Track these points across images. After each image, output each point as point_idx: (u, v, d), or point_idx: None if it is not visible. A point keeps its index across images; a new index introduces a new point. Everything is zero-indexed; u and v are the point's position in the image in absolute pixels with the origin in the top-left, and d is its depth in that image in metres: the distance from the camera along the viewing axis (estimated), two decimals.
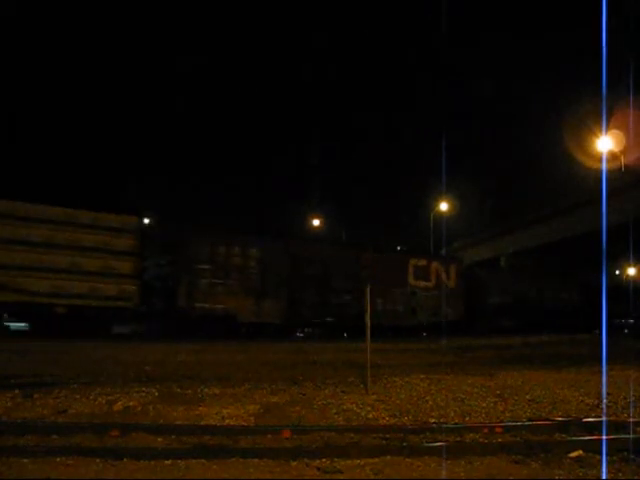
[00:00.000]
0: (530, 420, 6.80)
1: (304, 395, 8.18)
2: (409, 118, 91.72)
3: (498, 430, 6.12)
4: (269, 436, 5.79)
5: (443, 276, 29.55)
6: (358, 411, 7.17)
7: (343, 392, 8.46)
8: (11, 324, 21.21)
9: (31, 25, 64.20)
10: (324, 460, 4.98)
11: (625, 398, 8.20)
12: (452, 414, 7.11)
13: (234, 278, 23.02)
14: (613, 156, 33.88)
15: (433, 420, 6.79)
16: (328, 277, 25.24)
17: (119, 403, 7.36)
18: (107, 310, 20.60)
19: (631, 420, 6.50)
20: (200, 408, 7.18)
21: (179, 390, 8.39)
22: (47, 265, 19.86)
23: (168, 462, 4.88)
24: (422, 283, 28.81)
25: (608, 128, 30.54)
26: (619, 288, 37.69)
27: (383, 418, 6.88)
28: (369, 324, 9.05)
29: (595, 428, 6.15)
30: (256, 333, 22.61)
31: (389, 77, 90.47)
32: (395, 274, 27.49)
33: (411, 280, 28.43)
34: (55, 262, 19.95)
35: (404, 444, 5.48)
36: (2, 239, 19.26)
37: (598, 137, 32.21)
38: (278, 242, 24.42)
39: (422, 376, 10.37)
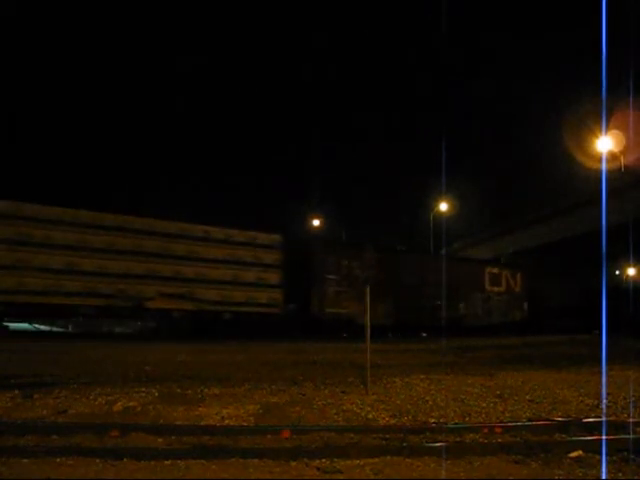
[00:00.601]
0: (530, 420, 6.80)
1: (304, 395, 8.18)
2: (409, 118, 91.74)
3: (498, 430, 6.12)
4: (269, 436, 5.79)
5: (511, 282, 34.26)
6: (358, 411, 7.17)
7: (343, 392, 8.46)
8: (10, 324, 21.24)
9: (31, 25, 64.24)
10: (324, 460, 4.98)
11: (625, 398, 8.20)
12: (452, 414, 7.11)
13: (353, 287, 25.42)
14: (613, 156, 33.89)
15: (433, 420, 6.79)
16: (422, 285, 29.26)
17: (119, 403, 7.36)
18: (257, 315, 24.38)
19: (631, 420, 6.50)
20: (200, 408, 7.18)
21: (179, 390, 8.39)
22: (215, 278, 23.79)
23: (168, 462, 4.88)
24: (495, 288, 33.42)
25: (608, 128, 30.56)
26: (619, 288, 37.76)
27: (383, 418, 6.88)
28: (369, 324, 9.06)
29: (595, 428, 6.16)
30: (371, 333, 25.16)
31: (389, 77, 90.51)
32: (474, 281, 32.54)
33: (487, 286, 33.10)
34: (221, 275, 23.90)
35: (404, 444, 5.48)
36: (186, 257, 23.21)
37: (598, 137, 32.21)
38: (389, 255, 28.06)
39: (422, 376, 10.37)
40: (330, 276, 26.45)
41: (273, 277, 24.97)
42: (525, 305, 34.43)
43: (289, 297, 25.46)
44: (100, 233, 21.57)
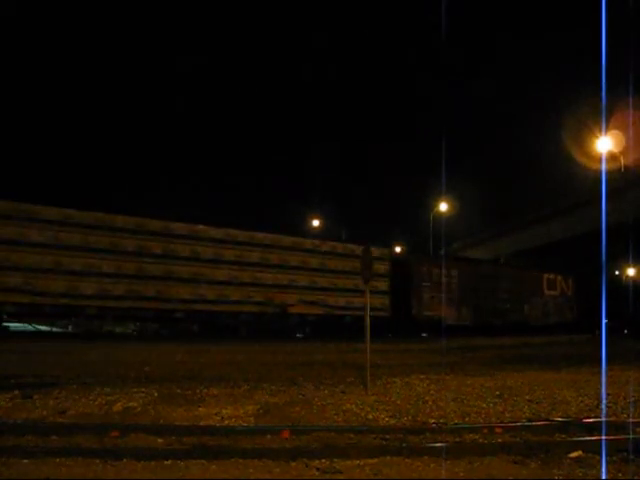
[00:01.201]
0: (530, 420, 6.79)
1: (303, 395, 8.18)
2: (409, 118, 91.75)
3: (498, 430, 6.11)
4: (268, 436, 5.78)
5: (564, 286, 39.97)
6: (357, 411, 7.17)
7: (342, 392, 8.47)
8: (11, 324, 21.27)
9: (32, 25, 64.22)
10: (323, 460, 4.98)
11: (625, 398, 8.20)
12: (452, 414, 7.11)
13: (443, 292, 31.24)
14: (613, 156, 33.89)
15: (433, 420, 6.78)
16: (495, 289, 34.94)
17: (119, 404, 7.36)
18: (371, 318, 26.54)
19: (631, 420, 6.50)
20: (200, 409, 7.18)
21: (179, 391, 8.39)
22: (341, 287, 27.81)
23: (168, 462, 4.88)
24: (552, 292, 39.04)
25: (608, 128, 30.55)
26: (618, 288, 37.86)
27: (382, 418, 6.88)
28: (368, 324, 9.06)
29: (595, 428, 6.15)
30: (454, 332, 29.95)
31: (389, 77, 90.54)
32: (535, 286, 37.93)
33: (545, 290, 38.54)
34: (345, 284, 27.59)
35: (404, 444, 5.47)
36: (319, 269, 27.46)
37: (598, 137, 32.20)
38: (469, 264, 34.97)
39: (422, 376, 10.38)
40: (425, 284, 31.42)
41: (383, 285, 28.95)
42: (576, 307, 39.87)
43: (394, 302, 29.57)
44: (255, 250, 25.60)
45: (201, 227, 24.33)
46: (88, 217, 21.61)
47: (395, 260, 30.97)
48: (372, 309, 24.22)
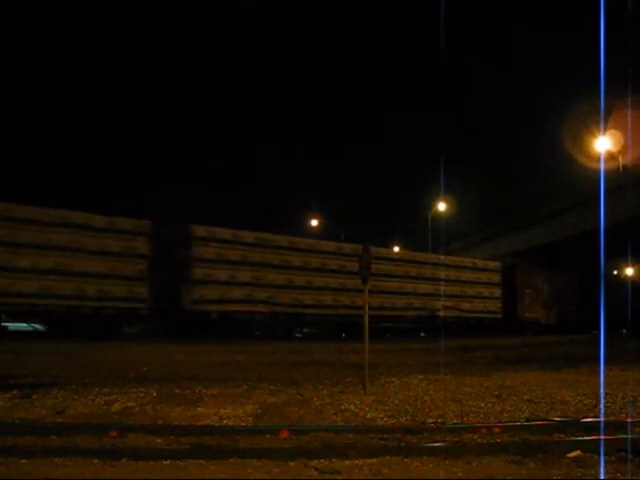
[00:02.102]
0: (528, 420, 6.79)
1: (302, 395, 8.18)
2: (409, 118, 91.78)
3: (496, 430, 6.11)
4: (267, 436, 5.78)
5: None
6: (356, 411, 7.17)
7: (341, 392, 8.47)
8: (9, 324, 21.25)
9: (31, 25, 64.19)
10: (322, 460, 4.98)
11: (624, 398, 8.21)
12: (450, 414, 7.11)
13: (537, 297, 38.48)
14: (611, 156, 33.92)
15: (431, 420, 6.79)
16: (565, 294, 40.60)
17: (117, 403, 7.36)
18: (488, 320, 34.59)
19: (629, 420, 6.50)
20: (199, 408, 7.18)
21: (178, 390, 8.39)
22: (470, 294, 33.82)
23: (166, 462, 4.88)
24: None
25: (606, 128, 30.58)
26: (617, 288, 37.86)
27: (381, 418, 6.88)
28: (367, 324, 9.06)
29: (593, 428, 6.15)
30: (542, 331, 35.69)
31: (389, 77, 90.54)
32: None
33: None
34: (472, 292, 33.98)
35: (402, 444, 5.47)
36: (455, 280, 32.80)
37: (596, 137, 32.23)
38: (559, 274, 39.67)
39: (420, 376, 10.38)
40: (526, 290, 37.66)
41: (497, 292, 35.38)
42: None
43: (504, 306, 35.32)
44: (413, 266, 31.67)
45: (392, 251, 34.72)
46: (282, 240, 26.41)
47: (504, 270, 36.63)
48: (490, 312, 32.63)
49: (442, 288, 31.23)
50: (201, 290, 23.38)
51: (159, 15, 76.50)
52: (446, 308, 32.20)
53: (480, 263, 36.10)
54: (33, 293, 19.90)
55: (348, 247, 28.11)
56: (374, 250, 24.58)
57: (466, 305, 33.51)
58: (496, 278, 35.61)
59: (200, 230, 23.73)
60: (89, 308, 20.87)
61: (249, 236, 25.15)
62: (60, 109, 68.50)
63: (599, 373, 10.72)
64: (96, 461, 4.86)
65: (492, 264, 36.22)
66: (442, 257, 34.18)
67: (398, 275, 30.36)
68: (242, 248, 24.66)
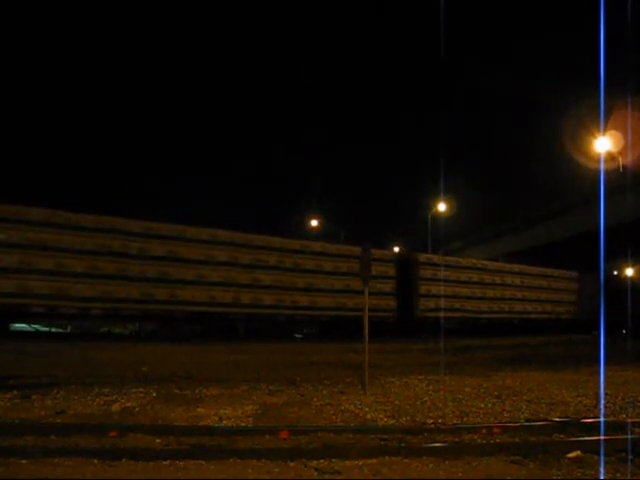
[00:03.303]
0: (528, 421, 6.79)
1: (302, 396, 8.18)
2: (409, 118, 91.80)
3: (496, 431, 6.11)
4: (267, 437, 5.78)
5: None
6: (356, 412, 7.17)
7: (341, 393, 8.47)
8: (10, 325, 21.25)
9: (29, 24, 64.18)
10: (322, 461, 4.98)
11: (623, 399, 8.21)
12: (450, 415, 7.11)
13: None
14: (611, 157, 33.92)
15: (431, 421, 6.79)
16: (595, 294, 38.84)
17: (117, 404, 7.36)
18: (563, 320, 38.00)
19: (629, 421, 6.50)
20: (198, 409, 7.18)
21: (177, 391, 8.39)
22: (545, 299, 37.48)
23: (166, 462, 4.88)
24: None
25: (606, 129, 30.58)
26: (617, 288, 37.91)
27: (381, 419, 6.88)
28: (367, 324, 9.06)
29: (593, 428, 6.15)
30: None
31: (389, 77, 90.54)
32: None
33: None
34: (545, 297, 37.49)
35: (402, 445, 5.47)
36: (527, 286, 36.18)
37: (596, 138, 32.22)
38: (588, 275, 38.36)
39: (420, 377, 10.39)
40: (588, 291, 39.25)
41: (572, 297, 38.86)
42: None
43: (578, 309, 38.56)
44: (505, 275, 35.59)
45: (484, 262, 36.57)
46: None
47: (572, 277, 39.62)
48: (560, 313, 38.96)
49: (513, 293, 35.53)
50: (425, 302, 30.41)
51: (158, 14, 76.54)
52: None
53: (558, 273, 39.28)
54: (306, 306, 25.93)
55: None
56: (491, 264, 34.58)
57: (526, 307, 36.44)
58: (570, 285, 39.29)
59: (422, 257, 31.57)
60: (352, 317, 25.06)
61: (445, 260, 33.31)
62: (74, 114, 68.51)
63: (599, 373, 10.72)
64: (96, 461, 4.86)
65: (556, 272, 38.91)
66: (510, 266, 37.87)
67: (489, 283, 34.43)
68: (441, 269, 31.03)
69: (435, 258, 32.93)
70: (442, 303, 30.12)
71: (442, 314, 29.53)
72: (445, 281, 30.61)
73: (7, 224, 19.20)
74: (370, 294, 25.28)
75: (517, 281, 35.93)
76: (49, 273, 19.66)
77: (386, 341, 20.91)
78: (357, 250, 28.53)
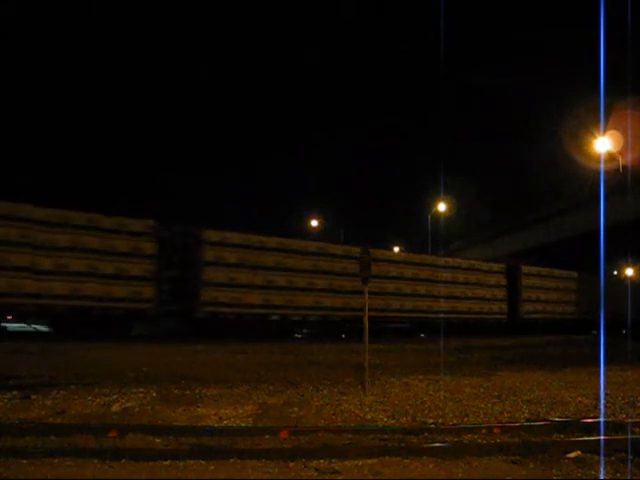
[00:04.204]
0: (528, 421, 6.80)
1: (302, 396, 8.18)
2: (408, 119, 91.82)
3: (496, 431, 6.12)
4: (267, 437, 5.78)
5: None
6: (356, 412, 7.18)
7: (341, 393, 8.47)
8: (8, 325, 21.23)
9: (30, 25, 64.20)
10: (322, 461, 4.98)
11: (623, 399, 8.22)
12: (450, 415, 7.11)
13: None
14: (611, 157, 33.91)
15: (431, 421, 6.79)
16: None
17: (117, 404, 7.36)
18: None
19: (629, 421, 6.51)
20: (198, 409, 7.18)
21: (177, 391, 8.39)
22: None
23: (166, 463, 4.88)
24: None
25: (606, 129, 30.59)
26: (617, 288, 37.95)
27: (381, 419, 6.88)
28: (367, 324, 9.06)
29: (593, 429, 6.16)
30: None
31: (389, 77, 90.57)
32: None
33: None
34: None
35: (402, 445, 5.48)
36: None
37: (596, 138, 32.21)
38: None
39: (420, 377, 10.39)
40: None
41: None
42: None
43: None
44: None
45: (552, 270, 38.14)
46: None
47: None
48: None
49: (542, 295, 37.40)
50: (526, 305, 35.07)
51: (157, 13, 76.57)
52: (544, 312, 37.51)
53: (563, 274, 40.06)
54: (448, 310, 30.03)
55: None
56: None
57: (555, 308, 38.21)
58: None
59: (525, 268, 36.11)
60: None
61: (539, 271, 37.55)
62: (65, 108, 68.51)
63: (599, 373, 10.73)
64: (96, 461, 4.86)
65: (564, 272, 39.61)
66: (552, 270, 39.17)
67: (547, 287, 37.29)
68: (536, 278, 36.56)
69: (534, 270, 36.97)
70: (539, 307, 36.04)
71: (541, 315, 35.84)
72: (537, 288, 35.98)
73: None
74: (487, 299, 31.54)
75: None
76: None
77: (386, 341, 20.93)
78: (476, 263, 33.34)
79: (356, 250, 25.43)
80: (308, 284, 25.70)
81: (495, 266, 34.81)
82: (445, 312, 29.74)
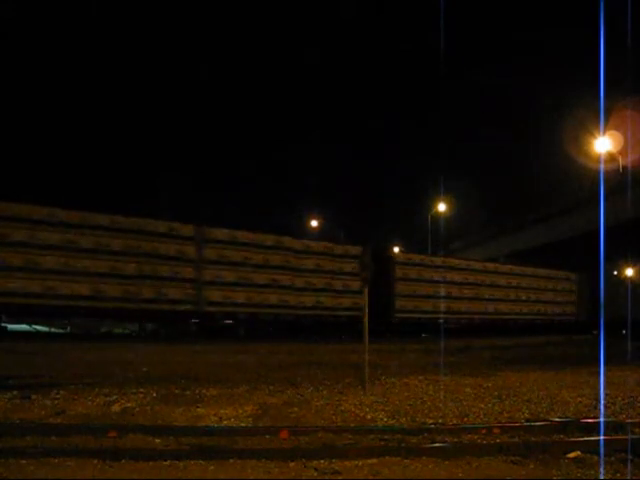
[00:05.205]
0: (528, 421, 6.80)
1: (302, 396, 8.18)
2: (409, 118, 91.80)
3: (496, 431, 6.12)
4: (267, 437, 5.78)
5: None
6: (356, 412, 7.18)
7: (341, 393, 8.47)
8: (8, 325, 21.25)
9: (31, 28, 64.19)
10: (322, 461, 4.98)
11: (623, 399, 8.21)
12: (450, 415, 7.11)
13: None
14: (611, 157, 33.91)
15: (431, 421, 6.79)
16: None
17: (117, 404, 7.36)
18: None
19: (629, 421, 6.51)
20: (198, 409, 7.18)
21: (177, 391, 8.39)
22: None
23: (166, 463, 4.88)
24: None
25: (606, 129, 30.57)
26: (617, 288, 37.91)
27: (381, 419, 6.88)
28: (367, 324, 9.06)
29: (593, 429, 6.16)
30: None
31: (388, 78, 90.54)
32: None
33: None
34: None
35: (402, 445, 5.47)
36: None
37: (596, 138, 32.21)
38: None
39: (420, 377, 10.39)
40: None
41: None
42: None
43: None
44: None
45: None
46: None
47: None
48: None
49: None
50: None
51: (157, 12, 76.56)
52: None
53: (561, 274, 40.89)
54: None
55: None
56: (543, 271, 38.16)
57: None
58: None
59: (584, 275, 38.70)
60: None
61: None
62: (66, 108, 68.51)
63: (599, 373, 10.73)
64: (96, 461, 4.86)
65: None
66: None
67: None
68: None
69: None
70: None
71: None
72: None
73: None
74: (560, 303, 37.63)
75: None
76: None
77: (386, 341, 20.92)
78: (534, 270, 36.29)
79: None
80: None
81: (566, 274, 38.64)
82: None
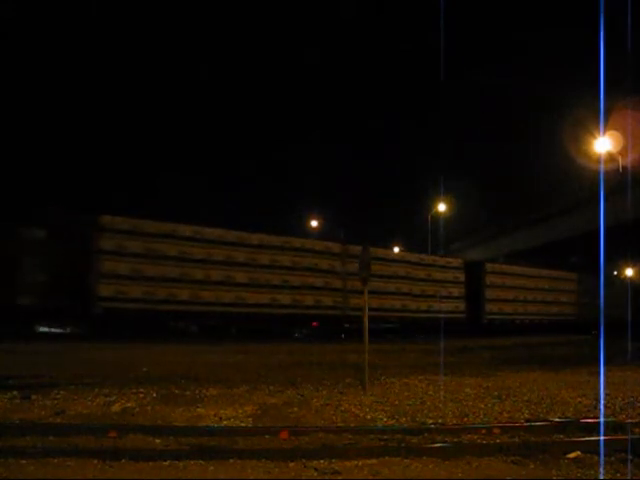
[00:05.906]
0: (528, 421, 6.80)
1: (302, 396, 8.18)
2: (409, 118, 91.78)
3: (496, 431, 6.11)
4: (267, 437, 5.78)
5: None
6: (356, 412, 7.18)
7: (341, 393, 8.47)
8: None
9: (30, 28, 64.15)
10: (322, 461, 4.98)
11: (623, 399, 8.21)
12: (450, 415, 7.11)
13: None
14: (611, 157, 33.92)
15: (431, 421, 6.79)
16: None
17: (117, 404, 7.36)
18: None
19: (629, 421, 6.51)
20: (198, 409, 7.18)
21: (177, 391, 8.39)
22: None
23: (166, 463, 4.88)
24: None
25: (606, 129, 30.57)
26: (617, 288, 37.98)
27: (381, 419, 6.88)
28: (367, 324, 9.06)
29: (593, 429, 6.16)
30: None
31: (388, 78, 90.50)
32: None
33: None
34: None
35: (402, 445, 5.47)
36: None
37: (596, 138, 32.21)
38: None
39: (420, 377, 10.39)
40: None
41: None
42: None
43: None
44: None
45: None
46: None
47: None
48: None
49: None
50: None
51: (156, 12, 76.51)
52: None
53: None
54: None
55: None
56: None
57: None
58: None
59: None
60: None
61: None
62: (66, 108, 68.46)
63: (599, 374, 10.73)
64: (96, 462, 4.86)
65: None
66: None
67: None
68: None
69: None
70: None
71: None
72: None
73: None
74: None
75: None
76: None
77: (386, 342, 20.91)
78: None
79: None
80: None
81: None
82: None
